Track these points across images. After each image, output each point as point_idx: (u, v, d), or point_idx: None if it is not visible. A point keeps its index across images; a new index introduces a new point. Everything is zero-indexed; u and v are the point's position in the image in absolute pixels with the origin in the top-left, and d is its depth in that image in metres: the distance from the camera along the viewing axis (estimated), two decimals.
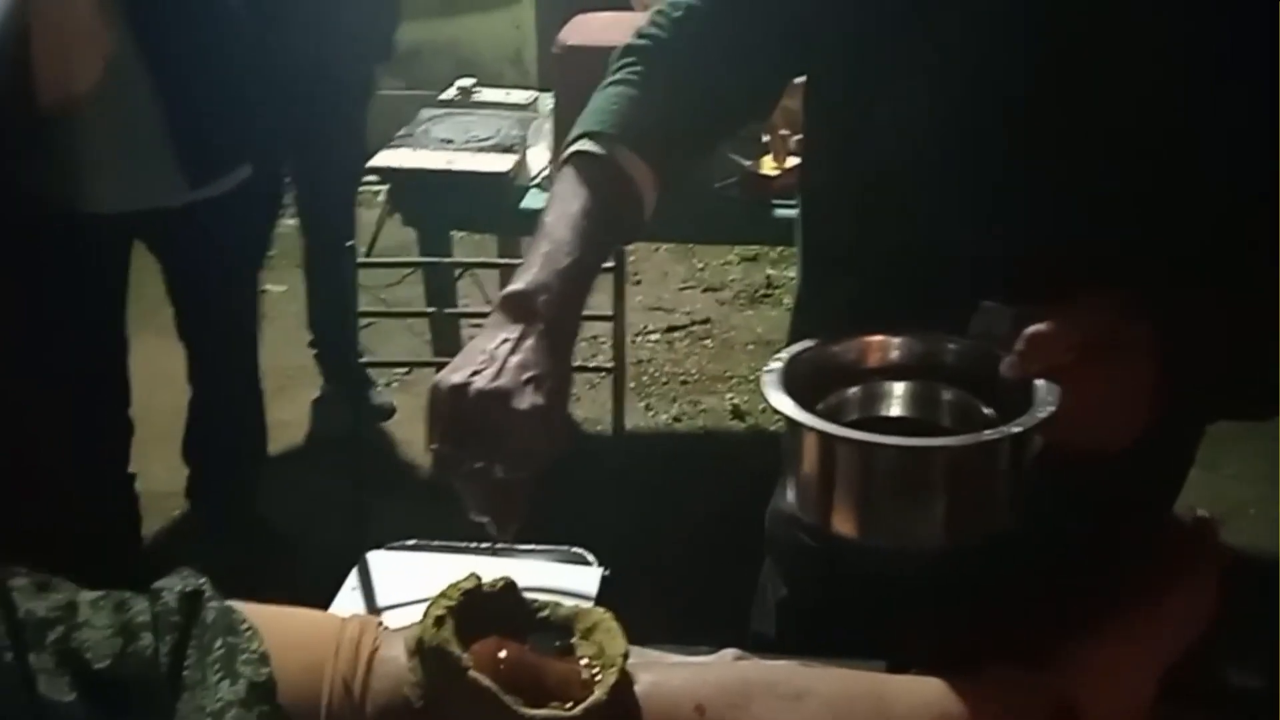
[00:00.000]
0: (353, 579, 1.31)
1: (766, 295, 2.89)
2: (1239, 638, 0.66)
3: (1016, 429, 0.57)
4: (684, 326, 2.75)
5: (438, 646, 0.55)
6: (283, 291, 2.85)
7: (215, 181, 1.62)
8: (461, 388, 0.64)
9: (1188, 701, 0.63)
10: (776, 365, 0.63)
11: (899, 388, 0.65)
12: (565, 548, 1.36)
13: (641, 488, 1.57)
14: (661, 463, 2.19)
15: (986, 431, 0.58)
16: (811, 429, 0.59)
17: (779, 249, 2.83)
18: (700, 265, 3.01)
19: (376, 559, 1.34)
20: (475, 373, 0.64)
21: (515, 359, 0.64)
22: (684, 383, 2.53)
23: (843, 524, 0.59)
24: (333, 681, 0.56)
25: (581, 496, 1.30)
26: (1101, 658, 0.61)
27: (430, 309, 1.81)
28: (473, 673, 0.54)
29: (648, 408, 2.42)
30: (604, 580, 1.27)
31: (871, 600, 0.79)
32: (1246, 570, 0.65)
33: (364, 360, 1.42)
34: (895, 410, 0.65)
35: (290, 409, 2.30)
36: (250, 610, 0.59)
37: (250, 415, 1.88)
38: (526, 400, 0.63)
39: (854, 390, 0.64)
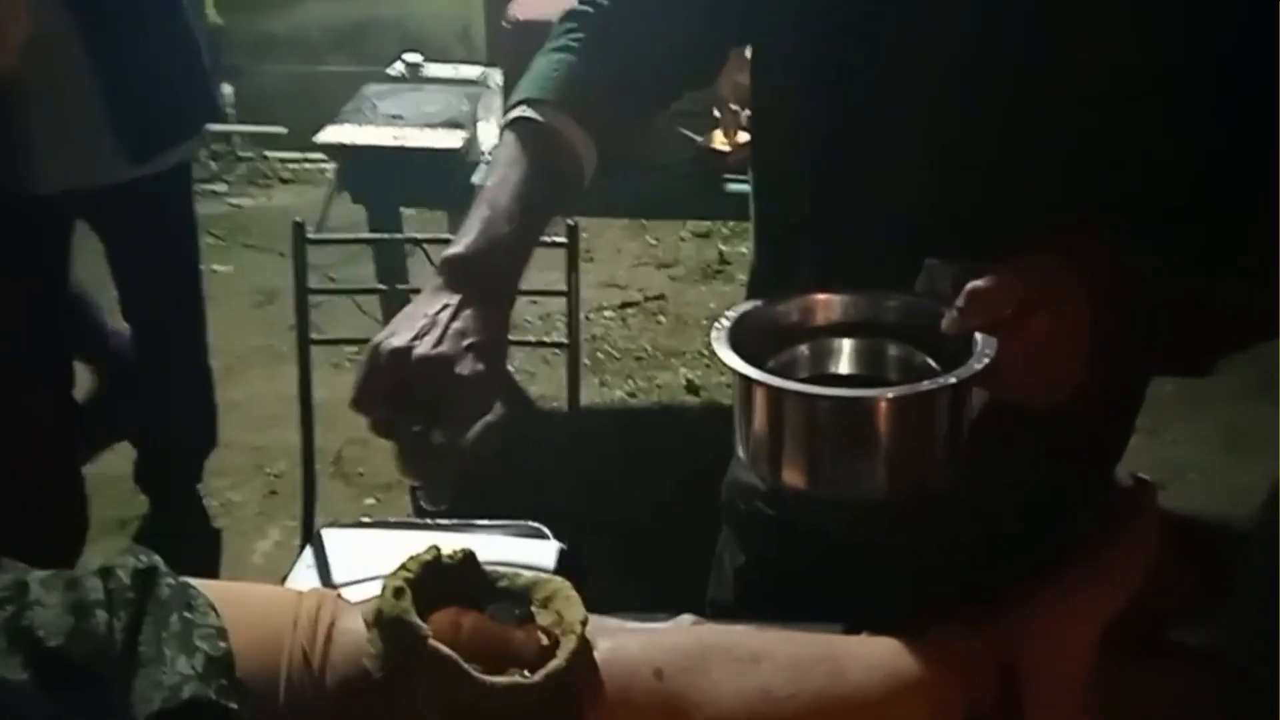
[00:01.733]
0: (307, 556, 1.30)
1: (719, 271, 2.90)
2: (1183, 598, 0.68)
3: (953, 379, 0.58)
4: (638, 303, 2.76)
5: (397, 617, 0.55)
6: (229, 271, 2.80)
7: (157, 158, 1.59)
8: (403, 352, 0.64)
9: (1129, 659, 0.65)
10: (725, 324, 0.63)
11: (846, 345, 0.66)
12: (522, 522, 1.36)
13: (597, 463, 1.58)
14: (617, 438, 2.20)
15: (924, 382, 0.59)
16: (757, 383, 0.60)
17: (731, 225, 2.85)
18: (653, 241, 3.01)
19: (331, 536, 1.33)
20: (416, 337, 0.64)
21: (456, 325, 0.65)
22: (638, 358, 2.54)
23: (791, 476, 0.61)
24: (291, 654, 0.56)
25: (537, 472, 1.30)
26: (1040, 617, 0.63)
27: (381, 286, 1.79)
28: (432, 642, 0.54)
29: (602, 383, 2.43)
30: (561, 554, 1.28)
31: (825, 566, 0.80)
32: (1189, 532, 0.68)
33: (314, 339, 1.41)
34: (843, 367, 0.66)
35: (239, 390, 2.27)
36: (206, 586, 0.59)
37: (199, 396, 1.85)
38: (467, 366, 0.64)
39: (803, 348, 0.66)
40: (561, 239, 1.36)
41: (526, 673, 0.56)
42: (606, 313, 2.70)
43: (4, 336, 1.57)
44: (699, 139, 1.71)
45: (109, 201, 1.59)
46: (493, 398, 0.65)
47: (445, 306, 0.65)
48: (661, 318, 2.71)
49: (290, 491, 1.94)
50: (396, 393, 0.64)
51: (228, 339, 2.13)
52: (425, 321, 0.65)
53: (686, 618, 0.76)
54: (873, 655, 0.62)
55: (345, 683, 0.55)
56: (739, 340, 0.62)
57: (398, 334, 0.65)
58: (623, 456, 2.06)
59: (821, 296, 0.66)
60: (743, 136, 1.66)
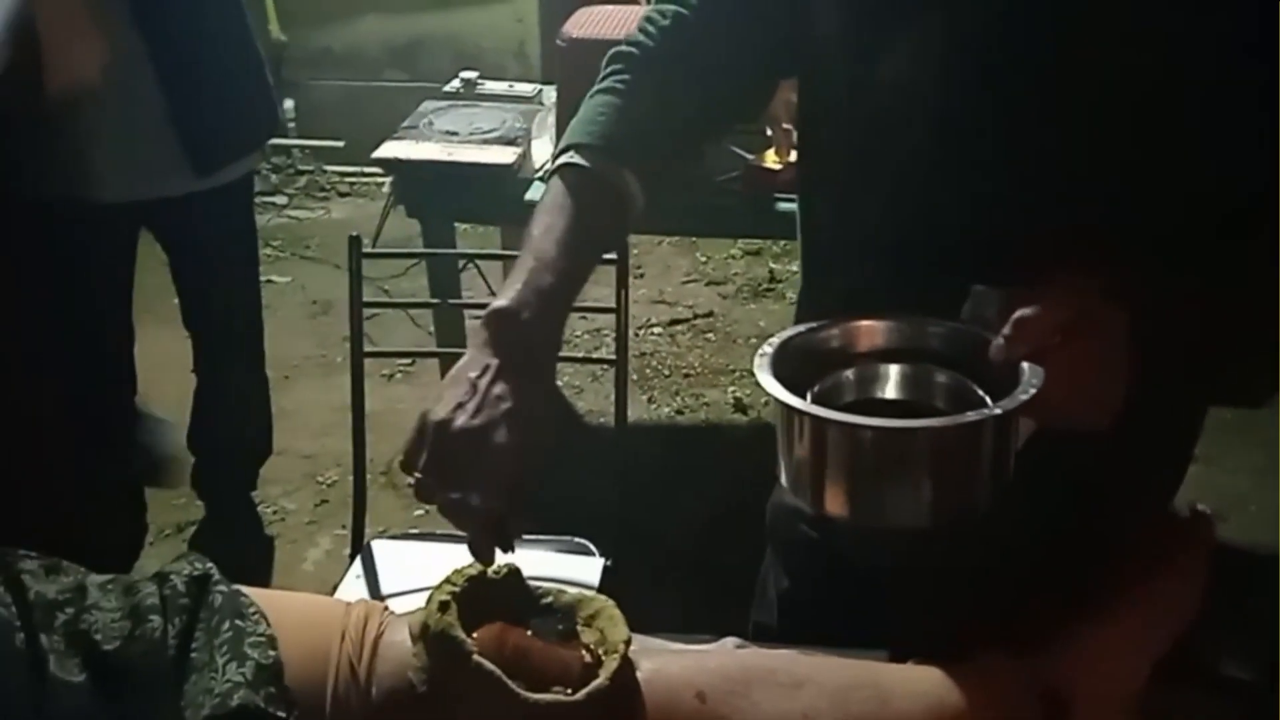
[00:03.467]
0: (357, 567, 1.32)
1: (769, 289, 2.89)
2: (1234, 630, 0.67)
3: (999, 410, 0.58)
4: (686, 320, 2.75)
5: (442, 631, 0.56)
6: (286, 282, 2.86)
7: (220, 170, 1.63)
8: (445, 423, 0.65)
9: (1178, 691, 0.64)
10: (768, 350, 0.63)
11: (893, 371, 0.65)
12: (567, 538, 1.37)
13: (643, 480, 1.58)
14: (663, 455, 2.20)
15: (969, 413, 0.58)
16: (800, 411, 0.60)
17: (782, 243, 2.83)
18: (703, 259, 3.01)
19: (380, 547, 1.35)
20: (459, 405, 0.66)
21: (495, 391, 0.66)
22: (686, 375, 2.53)
23: (834, 505, 0.60)
24: (339, 665, 0.57)
25: (583, 487, 1.31)
26: (1091, 647, 0.62)
27: (434, 300, 1.81)
28: (477, 657, 0.55)
29: (650, 400, 2.43)
30: (606, 570, 1.28)
31: (869, 592, 0.79)
32: (1244, 564, 0.66)
33: (368, 351, 1.43)
34: (889, 393, 0.66)
35: (293, 399, 2.31)
36: (257, 594, 0.60)
37: (256, 405, 1.89)
38: (502, 435, 0.65)
39: (847, 374, 0.65)
40: (611, 256, 1.36)
41: (569, 691, 0.56)
42: (655, 329, 2.71)
43: (69, 342, 1.61)
44: (750, 157, 1.71)
45: (172, 212, 1.63)
46: (526, 464, 0.66)
47: (486, 370, 0.67)
48: (710, 335, 2.70)
49: (341, 500, 1.96)
50: (439, 460, 0.66)
51: (283, 349, 2.17)
52: (466, 389, 0.66)
53: (730, 641, 0.76)
54: (917, 683, 0.62)
55: (390, 694, 0.56)
56: (782, 367, 0.62)
57: (443, 401, 0.66)
58: (669, 474, 2.05)
59: (866, 322, 0.66)
60: (795, 155, 1.66)
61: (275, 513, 2.06)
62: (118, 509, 1.76)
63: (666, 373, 2.54)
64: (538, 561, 1.29)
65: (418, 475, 0.66)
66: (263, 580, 1.83)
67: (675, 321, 2.75)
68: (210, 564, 0.61)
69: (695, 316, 2.76)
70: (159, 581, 0.59)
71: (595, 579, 1.27)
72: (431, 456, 0.66)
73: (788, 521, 0.88)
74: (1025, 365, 0.59)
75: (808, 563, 0.88)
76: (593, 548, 1.35)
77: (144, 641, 0.55)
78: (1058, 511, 0.69)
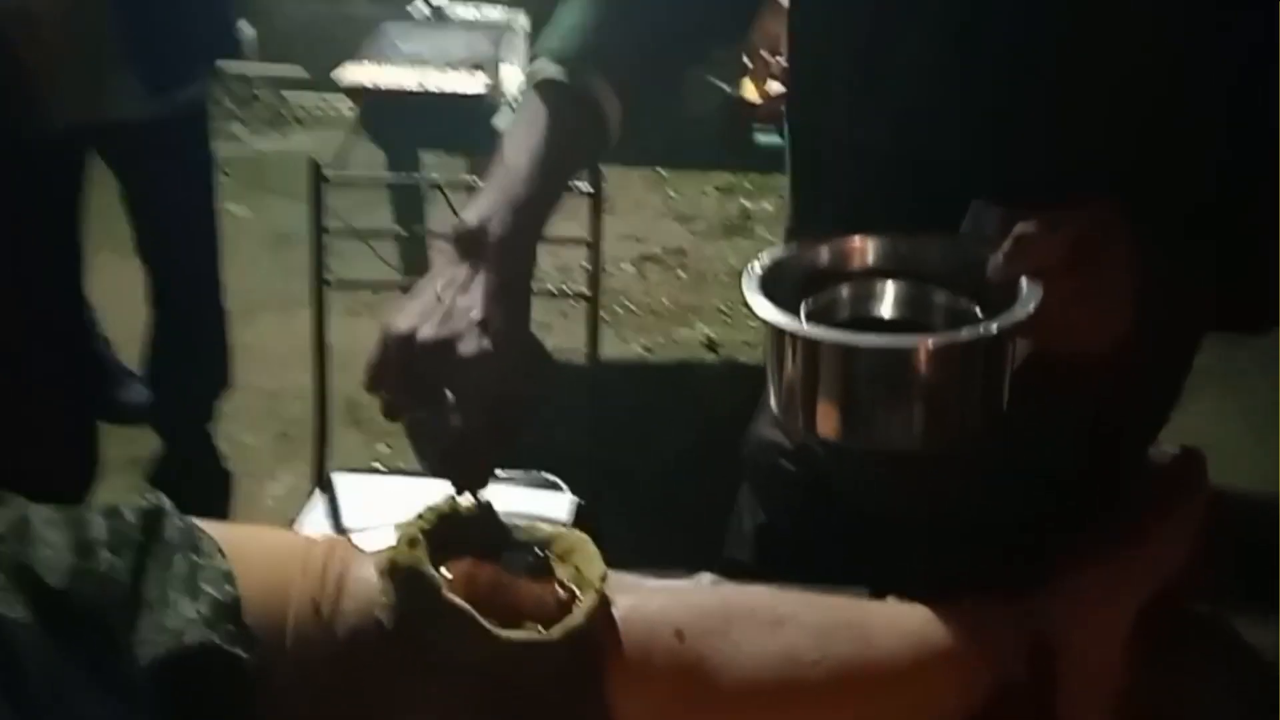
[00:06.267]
0: (318, 501, 1.29)
1: (741, 226, 2.86)
2: (1220, 574, 0.66)
3: (996, 327, 0.55)
4: (657, 256, 2.71)
5: (411, 567, 0.53)
6: (244, 214, 2.78)
7: (173, 92, 1.56)
8: (409, 335, 0.61)
9: (1164, 637, 0.63)
10: (758, 268, 0.60)
11: (889, 288, 0.63)
12: (536, 473, 1.34)
13: (613, 417, 1.55)
14: (633, 393, 2.18)
15: (965, 330, 0.56)
16: (791, 331, 0.57)
17: (755, 180, 2.80)
18: (674, 195, 2.97)
19: (343, 481, 1.32)
20: (423, 315, 0.61)
21: (463, 301, 0.61)
22: (656, 313, 2.51)
23: (825, 427, 0.58)
24: (300, 602, 0.54)
25: (553, 424, 1.28)
26: (1081, 592, 0.61)
27: (398, 229, 1.77)
28: (447, 594, 0.52)
29: (620, 337, 2.40)
30: (577, 507, 1.26)
31: (851, 528, 0.78)
32: (1228, 507, 0.65)
33: (329, 280, 1.39)
34: (885, 312, 0.63)
35: (254, 333, 2.25)
36: (214, 528, 0.57)
37: (214, 338, 1.84)
38: (473, 345, 0.60)
39: (841, 291, 0.62)
40: (586, 187, 1.32)
41: (544, 628, 0.54)
42: (625, 266, 2.67)
43: (15, 274, 1.55)
44: (728, 88, 1.66)
45: (125, 138, 1.56)
46: (504, 375, 0.61)
47: (452, 281, 0.62)
48: (680, 272, 2.67)
49: (303, 436, 1.92)
50: (405, 377, 0.61)
51: (242, 282, 2.11)
52: (431, 301, 0.62)
53: (706, 576, 0.74)
54: (902, 622, 0.60)
55: (356, 633, 0.53)
56: (772, 287, 0.59)
57: (405, 313, 0.62)
58: (638, 412, 2.03)
59: (859, 239, 0.63)
60: (774, 86, 1.62)
61: (235, 448, 2.02)
62: (69, 442, 1.71)
63: (636, 310, 2.51)
64: (507, 498, 1.26)
65: (383, 393, 0.62)
66: (223, 516, 1.80)
67: (645, 258, 2.71)
68: (164, 497, 0.58)
69: (665, 253, 2.73)
70: (108, 515, 0.55)
71: (565, 515, 1.25)
72: (396, 371, 0.61)
73: (766, 455, 0.87)
74: (1024, 282, 0.56)
75: (786, 498, 0.86)
76: (562, 484, 1.33)
77: (92, 578, 0.52)
78: (1048, 444, 0.68)
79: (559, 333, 2.43)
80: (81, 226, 1.63)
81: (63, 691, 0.46)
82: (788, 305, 0.59)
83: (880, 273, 0.62)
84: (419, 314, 0.61)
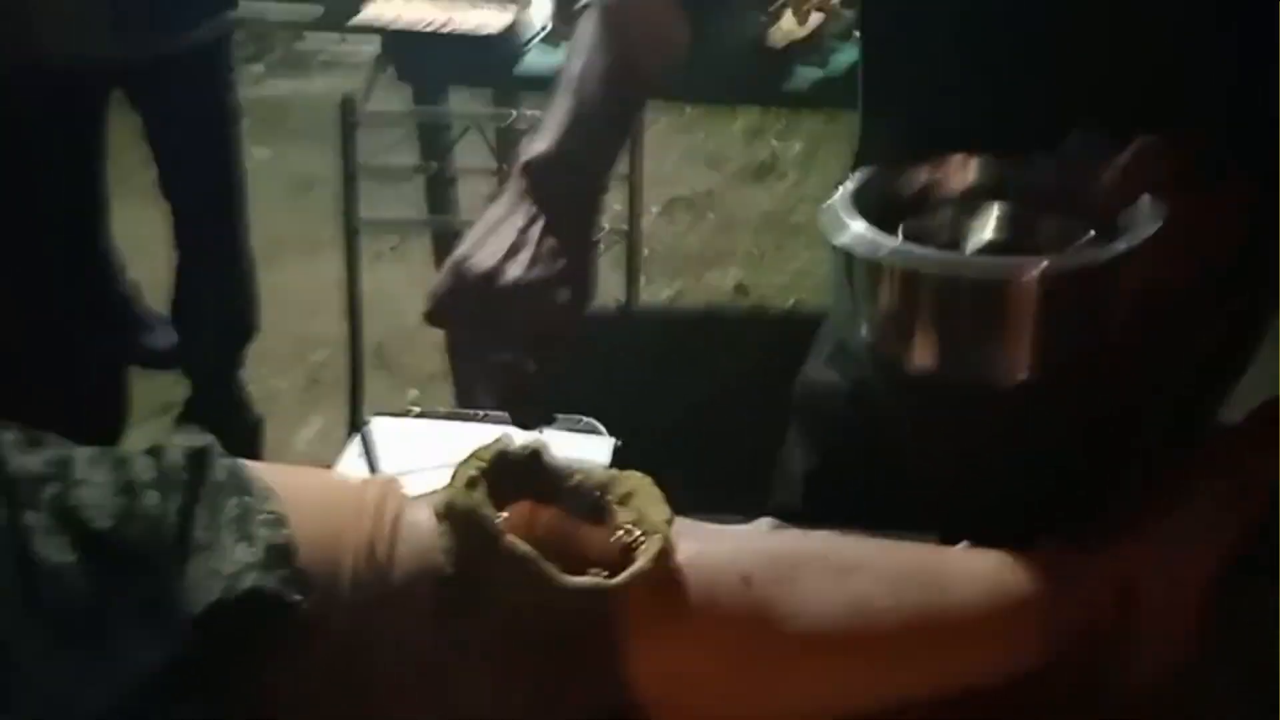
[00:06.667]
0: (356, 445, 1.27)
1: (771, 169, 2.80)
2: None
3: (1113, 250, 0.51)
4: (685, 200, 2.66)
5: (470, 510, 0.51)
6: (265, 157, 2.74)
7: (191, 30, 1.53)
8: (493, 273, 0.58)
9: (1248, 583, 0.60)
10: (844, 191, 0.56)
11: (993, 212, 0.58)
12: (574, 417, 1.32)
13: (647, 363, 1.53)
14: (664, 338, 2.15)
15: (1077, 252, 0.52)
16: (890, 255, 0.53)
17: (786, 121, 2.74)
18: (703, 136, 2.91)
19: (380, 425, 1.30)
20: (509, 254, 0.59)
21: (548, 244, 0.59)
22: (685, 258, 2.47)
23: (923, 359, 0.54)
24: (356, 546, 0.52)
25: (587, 370, 1.25)
26: (1165, 539, 0.58)
27: (427, 165, 1.73)
28: (509, 538, 0.50)
29: (648, 282, 2.37)
30: (617, 450, 1.24)
31: (913, 473, 0.75)
32: None
33: (363, 220, 1.36)
34: (989, 235, 0.59)
35: (279, 278, 2.23)
36: (263, 470, 0.54)
37: (240, 280, 1.82)
38: (563, 293, 0.59)
39: (942, 214, 0.58)
40: None
41: (607, 574, 0.52)
42: (652, 209, 2.62)
43: (39, 215, 1.53)
44: (764, 17, 1.60)
45: (144, 76, 1.54)
46: (579, 319, 0.61)
47: (534, 221, 0.60)
48: (710, 216, 2.62)
49: (332, 381, 1.91)
50: (482, 318, 0.59)
51: (265, 227, 2.09)
52: (514, 239, 0.59)
53: (765, 522, 0.72)
54: (979, 570, 0.57)
55: (414, 578, 0.51)
56: (861, 212, 0.55)
57: (485, 248, 0.59)
58: (671, 357, 2.01)
59: (959, 158, 0.58)
60: (815, 18, 1.55)
61: (265, 393, 2.01)
62: (99, 388, 1.70)
63: (665, 254, 2.47)
64: (550, 442, 1.24)
65: (453, 329, 0.59)
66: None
67: (673, 201, 2.66)
68: (210, 437, 0.56)
69: (693, 196, 2.68)
70: (154, 455, 0.53)
71: (606, 459, 1.23)
72: (474, 309, 0.59)
73: (820, 398, 0.84)
74: (1145, 201, 0.52)
75: (840, 442, 0.84)
76: (601, 427, 1.31)
77: (140, 520, 0.50)
78: (1146, 382, 0.64)
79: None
80: (104, 166, 1.61)
81: (111, 636, 0.45)
82: (880, 228, 0.55)
83: (981, 195, 0.58)
84: (502, 252, 0.59)
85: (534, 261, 0.58)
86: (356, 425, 1.31)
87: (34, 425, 0.57)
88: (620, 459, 1.24)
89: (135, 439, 1.79)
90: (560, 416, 1.30)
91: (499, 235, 0.59)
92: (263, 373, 2.03)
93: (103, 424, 1.71)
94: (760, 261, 2.41)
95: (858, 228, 0.53)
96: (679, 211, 2.64)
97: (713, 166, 2.81)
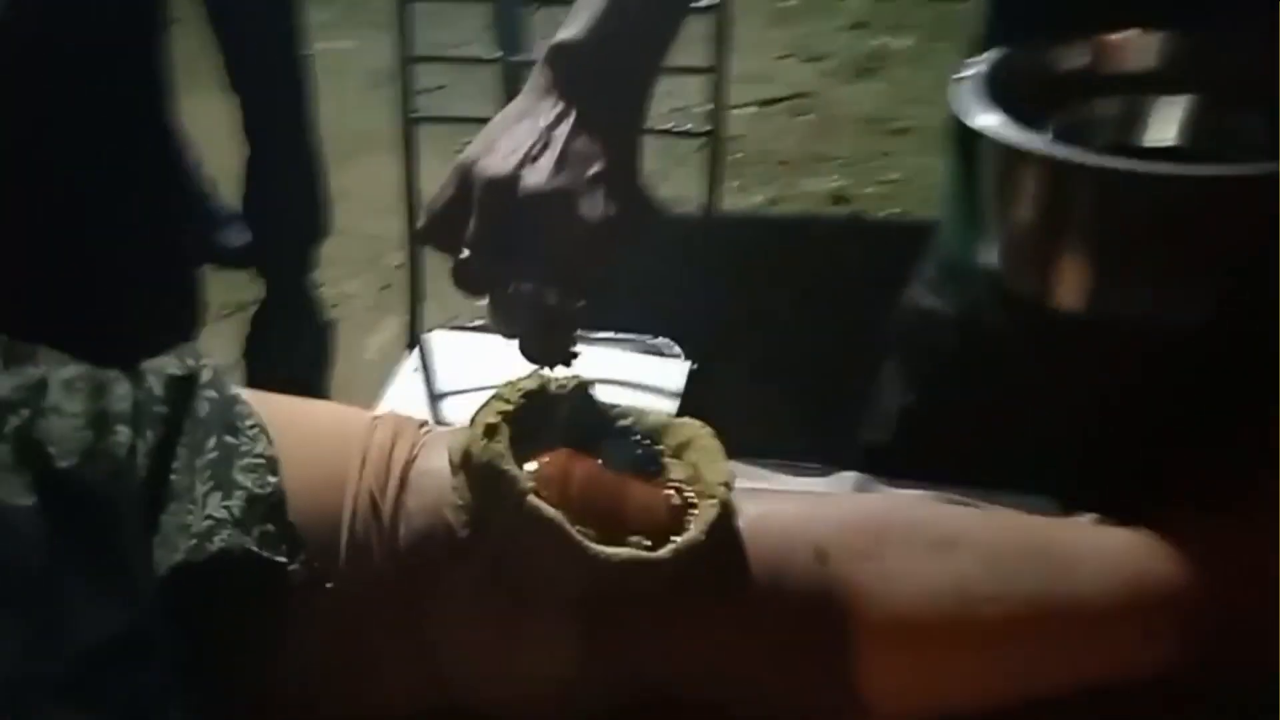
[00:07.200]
0: (413, 360, 1.21)
1: (875, 67, 2.60)
2: None
3: None
4: (782, 99, 2.49)
5: (489, 463, 0.43)
6: (345, 50, 2.66)
7: None
8: (507, 181, 0.48)
9: None
10: (974, 71, 0.44)
11: (1170, 106, 0.45)
12: (647, 337, 1.22)
13: (732, 275, 1.42)
14: (754, 250, 2.03)
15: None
16: (1031, 154, 0.41)
17: (894, 13, 2.54)
18: (802, 31, 2.72)
19: (440, 339, 1.23)
20: (524, 161, 0.48)
21: (577, 146, 0.48)
22: (781, 162, 2.32)
23: (1071, 291, 0.42)
24: (358, 496, 0.44)
25: (665, 282, 1.15)
26: None
27: (501, 56, 1.63)
28: (532, 499, 0.42)
29: (740, 187, 2.24)
30: (691, 375, 1.14)
31: (1027, 417, 0.64)
32: None
33: (422, 117, 1.27)
34: (1158, 135, 0.46)
35: (354, 176, 2.17)
36: (261, 403, 0.47)
37: (310, 176, 1.76)
38: (596, 206, 0.47)
39: (1094, 108, 0.46)
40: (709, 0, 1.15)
41: (652, 544, 0.43)
42: (747, 110, 2.47)
43: (103, 106, 1.48)
44: None
45: None
46: (620, 245, 0.49)
47: (561, 117, 0.49)
48: (809, 117, 2.46)
49: (407, 286, 1.87)
50: (496, 235, 0.48)
51: (341, 123, 2.02)
52: (533, 139, 0.48)
53: (849, 476, 0.62)
54: (1110, 547, 0.47)
55: (421, 538, 0.43)
56: (995, 101, 0.43)
57: (497, 151, 0.48)
58: (760, 272, 1.89)
59: (1119, 37, 0.45)
60: None
61: (338, 296, 1.97)
62: (173, 286, 1.68)
63: (758, 158, 2.33)
64: (613, 362, 1.16)
65: (463, 255, 0.50)
66: (324, 368, 1.76)
67: (769, 101, 2.50)
68: (207, 360, 0.48)
69: (791, 96, 2.51)
70: (136, 380, 0.46)
71: (679, 385, 1.13)
72: (485, 226, 0.48)
73: (922, 326, 0.73)
74: None
75: (943, 377, 0.73)
76: (677, 349, 1.21)
77: (107, 459, 0.43)
78: None
79: (673, 180, 2.29)
80: (165, 46, 1.55)
81: (63, 594, 0.38)
82: (1022, 121, 0.43)
83: (1157, 84, 0.45)
84: (518, 155, 0.48)
85: (559, 167, 0.47)
86: (415, 337, 1.24)
87: (108, 323, 0.50)
88: (694, 385, 1.15)
89: (208, 340, 1.78)
90: (630, 335, 1.21)
91: (514, 135, 0.48)
92: (337, 275, 1.99)
93: (178, 322, 1.69)
94: (860, 167, 2.25)
95: (992, 120, 0.41)
96: (773, 112, 2.48)
97: (812, 63, 2.63)
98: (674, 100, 2.35)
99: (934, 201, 0.72)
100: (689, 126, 1.32)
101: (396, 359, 1.33)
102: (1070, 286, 0.41)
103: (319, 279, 1.90)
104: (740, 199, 2.21)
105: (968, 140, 0.42)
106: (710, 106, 1.21)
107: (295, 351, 1.75)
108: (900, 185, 2.13)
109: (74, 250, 1.38)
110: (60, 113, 1.38)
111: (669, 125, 1.34)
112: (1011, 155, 0.41)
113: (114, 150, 1.49)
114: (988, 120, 0.41)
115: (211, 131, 1.79)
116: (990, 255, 0.45)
